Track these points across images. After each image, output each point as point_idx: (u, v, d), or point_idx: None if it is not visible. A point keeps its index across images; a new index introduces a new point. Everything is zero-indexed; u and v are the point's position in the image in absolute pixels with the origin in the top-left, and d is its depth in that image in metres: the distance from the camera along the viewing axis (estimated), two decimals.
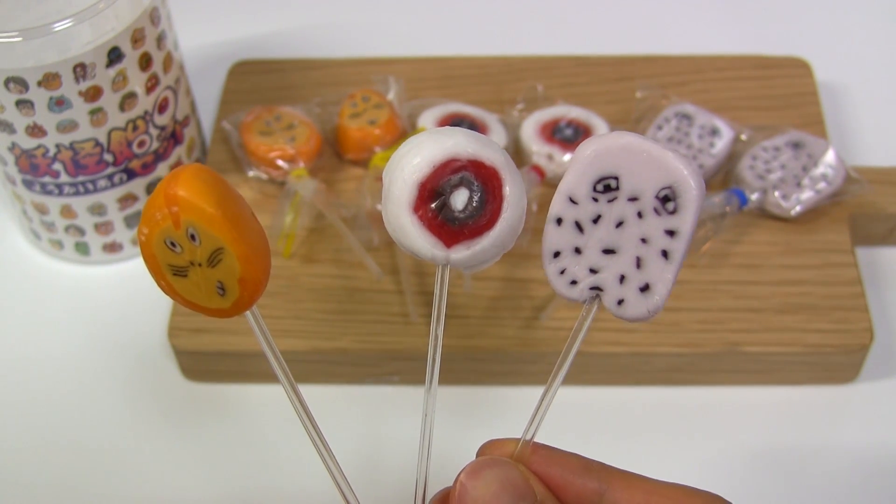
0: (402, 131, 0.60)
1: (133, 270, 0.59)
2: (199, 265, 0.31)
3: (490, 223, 0.33)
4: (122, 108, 0.52)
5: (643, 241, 0.32)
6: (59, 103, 0.50)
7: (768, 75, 0.64)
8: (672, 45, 0.67)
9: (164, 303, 0.56)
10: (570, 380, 0.54)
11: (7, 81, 0.49)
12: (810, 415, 0.52)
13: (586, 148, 0.32)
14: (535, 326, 0.52)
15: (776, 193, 0.55)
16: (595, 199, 0.32)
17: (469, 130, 0.33)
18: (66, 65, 0.49)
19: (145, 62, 0.52)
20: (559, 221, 0.33)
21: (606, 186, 0.32)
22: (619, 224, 0.32)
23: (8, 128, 0.51)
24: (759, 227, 0.56)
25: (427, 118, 0.60)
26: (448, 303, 0.53)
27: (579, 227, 0.32)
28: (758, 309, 0.53)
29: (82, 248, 0.58)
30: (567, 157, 0.57)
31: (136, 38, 0.51)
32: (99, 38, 0.49)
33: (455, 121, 0.59)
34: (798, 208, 0.55)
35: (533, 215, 0.55)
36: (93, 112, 0.51)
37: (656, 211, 0.31)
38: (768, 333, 0.52)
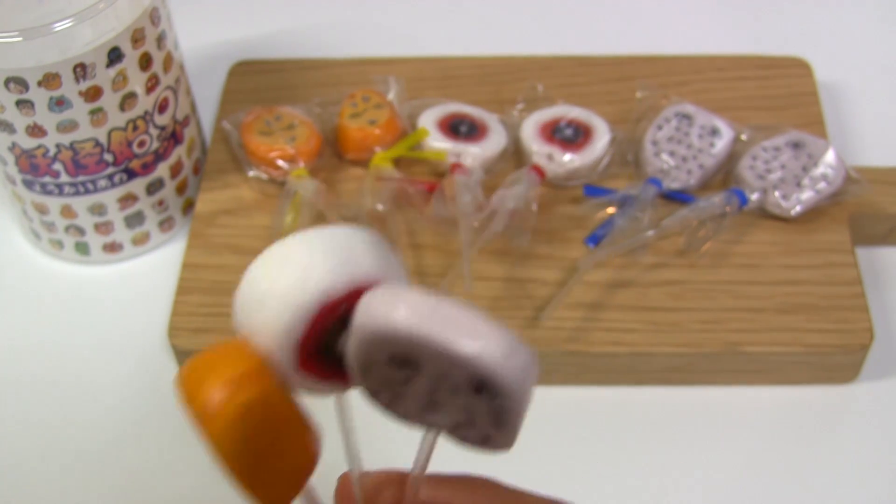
0: (403, 131, 0.60)
1: (133, 270, 0.59)
2: None
3: None
4: (122, 108, 0.52)
5: (467, 409, 0.25)
6: (59, 103, 0.50)
7: (768, 75, 0.64)
8: (672, 45, 0.67)
9: (164, 303, 0.56)
10: (570, 380, 0.54)
11: (7, 81, 0.49)
12: (810, 415, 0.52)
13: (362, 324, 0.24)
14: (535, 326, 0.52)
15: (776, 193, 0.55)
16: (395, 366, 0.25)
17: (323, 236, 0.26)
18: (67, 65, 0.49)
19: (145, 62, 0.52)
20: (366, 370, 0.26)
21: (404, 361, 0.25)
22: (434, 391, 0.25)
23: (8, 128, 0.51)
24: (759, 227, 0.56)
25: (427, 118, 0.60)
26: None
27: (388, 382, 0.26)
28: (758, 309, 0.53)
29: (82, 248, 0.58)
30: (567, 157, 0.57)
31: (137, 38, 0.51)
32: (99, 38, 0.49)
33: (455, 121, 0.59)
34: (798, 208, 0.55)
35: (533, 215, 0.55)
36: (93, 112, 0.51)
37: (475, 391, 0.25)
38: (768, 333, 0.52)
